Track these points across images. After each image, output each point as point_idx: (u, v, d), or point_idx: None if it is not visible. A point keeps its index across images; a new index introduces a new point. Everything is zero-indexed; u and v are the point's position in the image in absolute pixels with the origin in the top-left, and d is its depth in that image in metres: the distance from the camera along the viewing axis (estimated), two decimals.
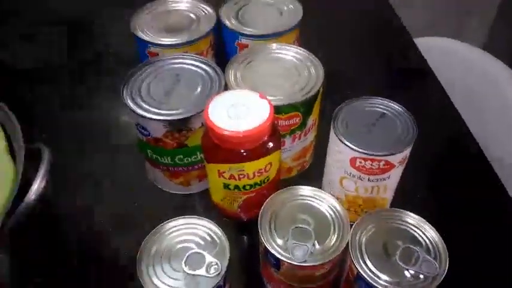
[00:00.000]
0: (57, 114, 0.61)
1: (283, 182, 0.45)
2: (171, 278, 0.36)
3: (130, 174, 0.54)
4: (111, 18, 0.72)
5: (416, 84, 0.65)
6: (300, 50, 0.48)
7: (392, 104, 0.43)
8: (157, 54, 0.53)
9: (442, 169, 0.54)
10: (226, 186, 0.42)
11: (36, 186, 0.36)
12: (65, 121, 0.60)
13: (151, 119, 0.42)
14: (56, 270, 0.45)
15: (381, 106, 0.43)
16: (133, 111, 0.43)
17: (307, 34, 0.56)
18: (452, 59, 0.77)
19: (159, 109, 0.43)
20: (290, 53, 0.48)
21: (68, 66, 0.68)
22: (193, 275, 0.36)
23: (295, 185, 0.41)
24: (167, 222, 0.39)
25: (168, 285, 0.35)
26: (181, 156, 0.46)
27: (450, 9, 1.27)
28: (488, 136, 0.61)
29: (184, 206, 0.51)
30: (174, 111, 0.43)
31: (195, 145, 0.45)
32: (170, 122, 0.43)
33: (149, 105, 0.43)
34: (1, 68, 0.65)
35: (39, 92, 0.64)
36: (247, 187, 0.42)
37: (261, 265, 0.42)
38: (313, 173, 0.52)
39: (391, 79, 0.65)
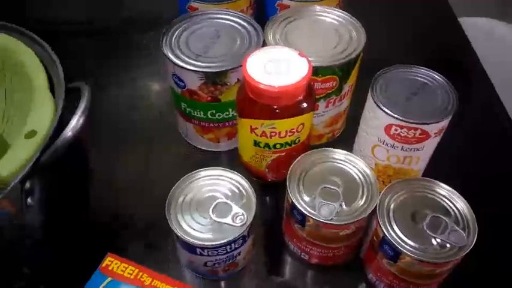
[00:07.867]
0: (99, 65, 0.62)
1: (313, 148, 0.45)
2: (199, 223, 0.37)
3: (159, 128, 0.54)
4: None
5: (457, 64, 0.63)
6: (343, 13, 0.47)
7: (434, 75, 0.41)
8: (197, 9, 0.52)
9: (477, 143, 0.53)
10: (256, 143, 0.42)
11: (74, 122, 0.37)
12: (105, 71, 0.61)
13: (188, 69, 0.43)
14: (81, 223, 0.46)
15: (423, 76, 0.42)
16: (171, 61, 0.43)
17: None
18: (494, 39, 0.74)
19: (196, 61, 0.43)
20: (332, 15, 0.47)
21: (108, 23, 0.68)
22: (220, 222, 0.36)
23: None
24: (197, 172, 0.40)
25: (195, 229, 0.36)
26: (214, 111, 0.46)
27: None
28: None
29: (211, 162, 0.51)
30: (211, 64, 0.43)
31: (228, 101, 0.45)
32: (206, 74, 0.43)
33: (187, 57, 0.44)
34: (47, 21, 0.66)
35: (80, 44, 0.64)
36: (278, 146, 0.42)
37: (284, 222, 0.42)
38: (343, 142, 0.51)
39: (432, 54, 0.63)
